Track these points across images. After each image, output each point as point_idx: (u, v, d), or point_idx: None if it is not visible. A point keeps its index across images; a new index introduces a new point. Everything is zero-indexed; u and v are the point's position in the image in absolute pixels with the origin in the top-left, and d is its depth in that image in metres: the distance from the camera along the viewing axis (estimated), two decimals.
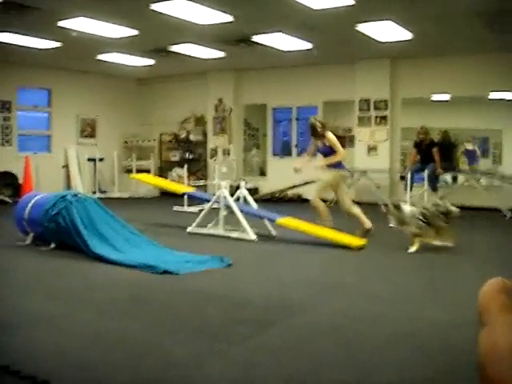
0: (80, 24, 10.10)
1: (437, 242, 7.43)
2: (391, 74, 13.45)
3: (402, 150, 13.79)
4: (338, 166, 8.51)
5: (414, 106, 13.59)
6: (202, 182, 13.55)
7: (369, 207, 12.54)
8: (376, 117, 13.68)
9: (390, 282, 5.66)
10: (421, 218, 7.38)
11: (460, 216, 7.56)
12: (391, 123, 13.57)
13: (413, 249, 7.32)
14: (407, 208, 7.71)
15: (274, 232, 8.32)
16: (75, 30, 10.46)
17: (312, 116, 9.22)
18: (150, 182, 10.84)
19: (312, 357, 3.46)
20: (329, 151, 8.55)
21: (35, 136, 15.48)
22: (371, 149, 13.76)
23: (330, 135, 8.58)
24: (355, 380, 3.08)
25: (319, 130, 8.59)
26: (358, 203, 12.87)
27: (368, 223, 8.33)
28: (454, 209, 7.51)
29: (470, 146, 13.92)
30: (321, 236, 7.80)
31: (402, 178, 12.47)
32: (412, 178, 10.60)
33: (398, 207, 7.72)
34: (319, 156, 8.84)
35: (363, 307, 4.64)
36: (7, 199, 13.09)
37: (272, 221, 8.31)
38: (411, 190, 10.22)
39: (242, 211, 8.36)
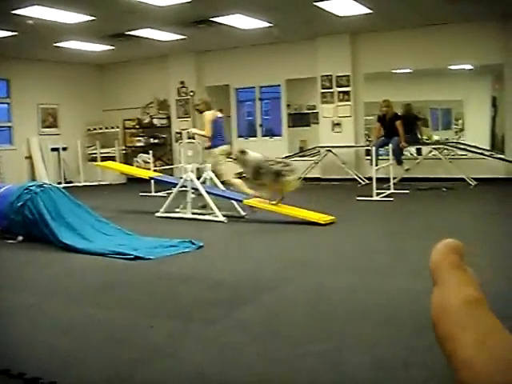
0: (36, 12, 9.91)
1: (251, 191, 8.30)
2: (352, 49, 13.48)
3: (366, 124, 13.88)
4: (212, 143, 9.20)
5: (376, 80, 13.65)
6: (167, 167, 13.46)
7: (336, 183, 12.68)
8: (339, 93, 13.71)
9: (359, 254, 5.72)
10: (257, 167, 7.97)
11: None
12: (354, 99, 13.62)
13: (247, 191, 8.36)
14: (252, 154, 8.23)
15: (243, 212, 8.33)
16: (31, 17, 10.26)
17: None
18: (115, 169, 10.73)
19: (286, 332, 3.49)
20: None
21: None
22: (335, 125, 13.81)
23: (206, 114, 9.27)
24: (331, 353, 3.12)
25: (198, 108, 9.55)
26: (326, 180, 13.01)
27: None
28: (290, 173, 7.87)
29: None
30: (288, 214, 7.83)
31: (368, 152, 12.57)
32: (377, 152, 10.68)
33: (243, 152, 8.25)
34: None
35: (334, 280, 4.69)
36: None
37: (239, 201, 8.32)
38: (377, 164, 10.30)
39: (208, 193, 8.35)
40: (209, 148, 9.31)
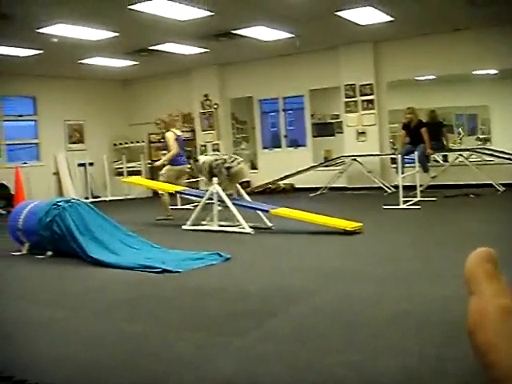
0: (59, 30, 10.06)
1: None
2: (375, 57, 13.44)
3: (391, 132, 13.82)
4: (171, 161, 9.80)
5: (400, 88, 13.60)
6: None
7: (362, 192, 12.62)
8: (363, 101, 13.67)
9: (386, 263, 5.67)
10: (207, 166, 8.71)
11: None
12: (378, 107, 13.57)
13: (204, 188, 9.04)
14: (203, 157, 9.18)
15: (269, 224, 8.32)
16: (55, 36, 10.42)
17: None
18: (142, 185, 10.77)
19: (315, 343, 3.47)
20: (165, 147, 10.04)
21: (23, 145, 15.41)
22: (360, 134, 13.76)
23: (167, 134, 9.88)
24: (359, 362, 3.09)
25: (161, 126, 10.09)
26: (352, 189, 12.96)
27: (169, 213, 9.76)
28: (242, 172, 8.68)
29: None
30: (316, 222, 7.82)
31: (393, 160, 12.49)
32: (403, 160, 10.62)
33: (195, 159, 9.25)
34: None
35: (362, 289, 4.66)
36: (0, 211, 13.04)
37: (266, 211, 8.32)
38: (403, 172, 10.24)
39: (234, 204, 8.37)
40: (168, 164, 9.87)
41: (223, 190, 8.48)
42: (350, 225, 7.57)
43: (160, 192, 9.97)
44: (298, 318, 4.03)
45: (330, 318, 3.97)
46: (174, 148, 9.83)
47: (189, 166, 9.67)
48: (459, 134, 14.92)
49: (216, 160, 8.75)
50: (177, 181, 9.84)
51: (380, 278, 5.04)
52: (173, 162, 9.87)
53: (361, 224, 7.61)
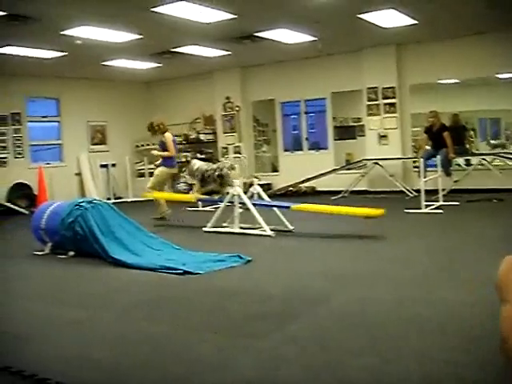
0: (83, 32, 10.15)
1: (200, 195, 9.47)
2: (397, 60, 13.38)
3: (413, 136, 13.73)
4: (163, 162, 10.10)
5: (423, 91, 13.52)
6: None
7: (384, 196, 12.56)
8: (385, 105, 13.62)
9: (407, 267, 5.63)
10: (199, 174, 9.20)
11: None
12: (400, 110, 13.51)
13: (192, 195, 9.59)
14: (197, 163, 9.50)
15: (290, 226, 8.31)
16: (79, 38, 10.51)
17: (154, 117, 10.83)
18: (163, 198, 10.53)
19: (335, 346, 3.46)
20: (162, 147, 10.12)
21: (47, 146, 15.56)
22: (382, 137, 13.71)
23: (166, 136, 10.12)
24: (378, 366, 3.08)
25: (156, 128, 10.21)
26: (373, 192, 12.90)
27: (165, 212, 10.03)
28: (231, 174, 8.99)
29: None
30: (337, 212, 7.87)
31: (415, 164, 12.41)
32: (425, 163, 10.55)
33: (188, 162, 9.75)
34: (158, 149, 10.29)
35: (383, 293, 4.63)
36: (23, 210, 13.17)
37: (287, 208, 8.34)
38: (425, 176, 10.18)
39: (255, 205, 8.39)
40: (163, 166, 10.11)
41: (216, 195, 9.23)
42: (371, 212, 7.60)
43: (148, 188, 10.19)
44: (318, 320, 4.02)
45: (350, 322, 3.95)
46: (173, 150, 10.13)
47: (176, 172, 10.43)
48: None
49: (207, 171, 9.17)
50: (168, 182, 10.22)
51: (400, 282, 5.01)
52: (168, 163, 10.12)
53: (382, 210, 7.59)
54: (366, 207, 8.08)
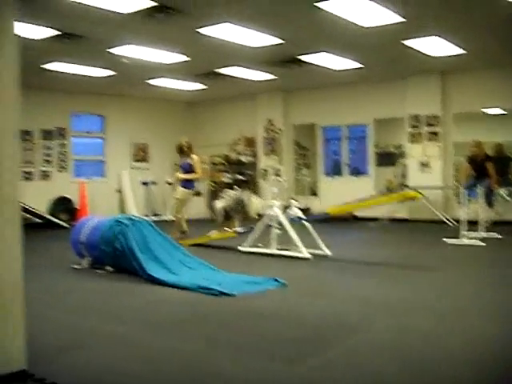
0: (130, 51, 10.33)
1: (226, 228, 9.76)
2: (442, 88, 13.29)
3: (456, 165, 13.57)
4: (187, 184, 10.10)
5: (467, 120, 13.37)
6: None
7: (423, 224, 12.41)
8: (427, 133, 13.51)
9: (446, 298, 5.54)
10: (223, 212, 9.77)
11: None
12: (443, 139, 13.38)
13: (213, 232, 9.81)
14: (218, 203, 10.09)
15: (328, 251, 8.26)
16: (126, 57, 10.70)
17: (181, 137, 10.73)
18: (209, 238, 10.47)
19: (370, 375, 3.40)
20: (187, 169, 10.13)
21: (89, 161, 15.81)
22: (423, 165, 13.58)
23: (195, 158, 10.20)
24: None
25: (185, 149, 10.22)
26: (413, 221, 12.74)
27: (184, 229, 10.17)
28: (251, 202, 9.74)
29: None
30: (370, 203, 8.56)
31: (457, 193, 12.24)
32: (467, 193, 10.40)
33: (211, 205, 10.38)
34: (180, 170, 10.40)
35: (419, 323, 4.55)
36: (64, 223, 13.36)
37: (324, 217, 8.42)
38: (466, 205, 10.04)
39: (290, 222, 8.43)
40: (185, 187, 10.10)
41: (239, 226, 9.58)
42: (406, 194, 7.73)
43: (175, 215, 10.30)
44: (354, 348, 3.97)
45: (386, 351, 3.89)
46: (201, 172, 10.35)
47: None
48: None
49: (229, 204, 9.75)
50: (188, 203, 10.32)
51: (439, 313, 4.93)
52: (190, 185, 10.15)
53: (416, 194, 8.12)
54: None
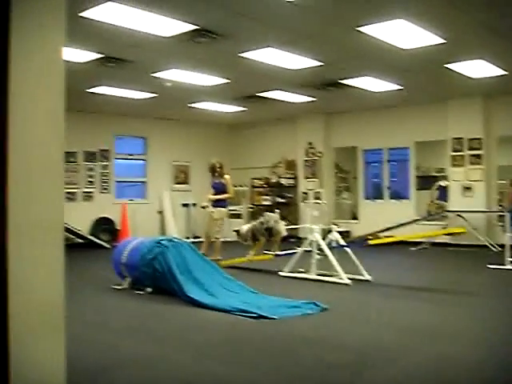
0: (173, 75, 10.48)
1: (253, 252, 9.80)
2: (484, 111, 13.11)
3: (499, 189, 13.34)
4: (222, 204, 10.41)
5: (511, 143, 13.16)
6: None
7: (465, 249, 12.20)
8: (470, 156, 13.33)
9: (489, 326, 5.42)
10: (250, 233, 9.84)
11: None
12: (487, 162, 13.18)
13: (249, 256, 9.77)
14: (244, 227, 10.17)
15: (368, 277, 8.18)
16: (169, 80, 10.86)
17: (213, 158, 10.97)
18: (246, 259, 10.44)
19: None
20: (220, 189, 10.42)
21: (131, 183, 15.99)
22: (466, 189, 13.39)
23: (227, 178, 10.53)
24: None
25: (218, 169, 10.52)
26: (455, 245, 12.53)
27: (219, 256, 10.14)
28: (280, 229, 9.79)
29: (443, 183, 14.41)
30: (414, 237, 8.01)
31: (500, 218, 12.01)
32: (511, 217, 10.20)
33: (238, 230, 10.22)
34: (211, 190, 10.60)
35: (461, 352, 4.47)
36: (105, 244, 13.51)
37: (365, 241, 8.30)
38: (511, 231, 9.83)
39: (331, 248, 8.36)
40: (221, 207, 10.41)
41: (268, 250, 9.79)
42: (453, 229, 7.63)
43: (216, 237, 10.34)
44: (394, 376, 3.91)
45: (427, 378, 3.83)
46: (233, 193, 10.79)
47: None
48: None
49: (255, 225, 9.86)
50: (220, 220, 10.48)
51: (481, 342, 4.83)
52: (225, 204, 10.50)
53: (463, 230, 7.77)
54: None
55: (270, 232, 9.69)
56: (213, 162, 10.68)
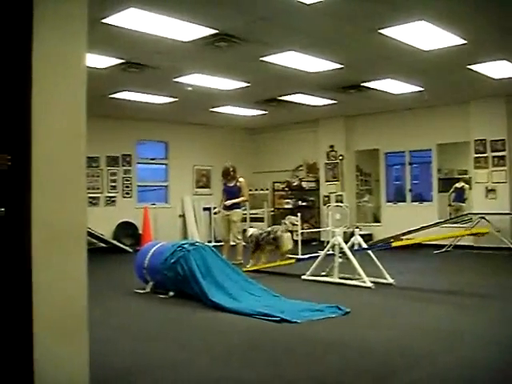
0: (195, 79, 10.52)
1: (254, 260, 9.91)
2: (508, 112, 12.97)
3: None
4: (237, 206, 10.50)
5: None
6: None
7: (489, 252, 12.07)
8: (493, 157, 13.20)
9: None
10: (253, 239, 9.90)
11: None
12: (510, 163, 13.04)
13: (250, 264, 9.79)
14: (251, 230, 10.19)
15: (391, 280, 8.12)
16: (190, 85, 10.90)
17: (227, 162, 11.09)
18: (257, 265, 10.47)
19: None
20: (236, 192, 10.49)
21: (153, 187, 16.07)
22: (489, 191, 13.26)
23: (243, 181, 10.67)
24: None
25: (232, 173, 10.62)
26: (478, 248, 12.41)
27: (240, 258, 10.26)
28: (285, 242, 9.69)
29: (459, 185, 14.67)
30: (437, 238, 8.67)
31: None
32: None
33: (245, 230, 10.35)
34: (224, 193, 10.75)
35: (487, 356, 4.41)
36: (128, 248, 13.58)
37: (389, 244, 8.23)
38: None
39: (354, 253, 8.30)
40: (237, 209, 10.53)
41: (276, 261, 9.71)
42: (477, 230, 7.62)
43: (238, 239, 10.39)
44: (419, 380, 3.87)
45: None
46: (248, 196, 10.97)
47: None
48: None
49: (261, 234, 9.88)
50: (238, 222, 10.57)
51: (509, 346, 4.77)
52: (240, 206, 10.69)
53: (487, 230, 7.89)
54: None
55: (276, 242, 9.72)
56: (227, 165, 10.78)
